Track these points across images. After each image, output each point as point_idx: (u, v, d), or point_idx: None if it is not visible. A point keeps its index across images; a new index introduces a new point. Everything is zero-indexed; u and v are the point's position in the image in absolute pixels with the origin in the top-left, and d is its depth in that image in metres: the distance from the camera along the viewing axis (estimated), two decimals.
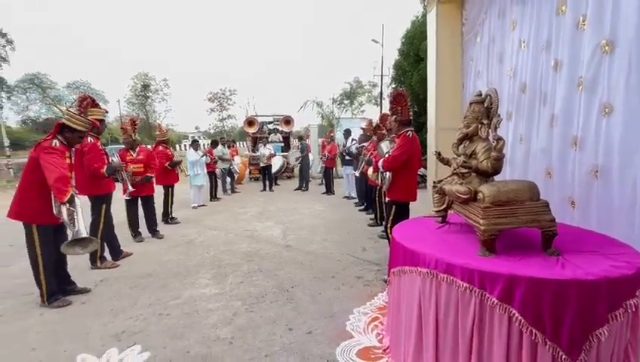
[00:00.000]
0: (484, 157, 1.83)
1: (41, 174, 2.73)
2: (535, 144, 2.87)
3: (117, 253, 4.10)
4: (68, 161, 2.96)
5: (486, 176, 1.86)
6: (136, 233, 4.96)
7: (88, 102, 3.61)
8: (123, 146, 4.81)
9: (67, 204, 2.71)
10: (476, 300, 1.50)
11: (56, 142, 2.86)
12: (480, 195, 1.73)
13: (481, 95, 1.96)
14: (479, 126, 1.92)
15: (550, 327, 1.36)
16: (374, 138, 5.33)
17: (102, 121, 3.82)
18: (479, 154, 1.87)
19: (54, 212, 2.75)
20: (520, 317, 1.40)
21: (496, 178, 1.91)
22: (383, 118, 4.81)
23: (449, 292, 1.60)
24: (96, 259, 3.84)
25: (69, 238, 2.70)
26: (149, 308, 2.88)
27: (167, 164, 5.86)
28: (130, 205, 4.88)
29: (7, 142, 16.25)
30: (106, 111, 4.11)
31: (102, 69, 50.30)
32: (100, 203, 3.81)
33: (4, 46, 24.34)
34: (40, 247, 2.88)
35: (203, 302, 2.96)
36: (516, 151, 3.15)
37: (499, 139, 1.76)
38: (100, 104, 4.04)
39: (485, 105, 1.91)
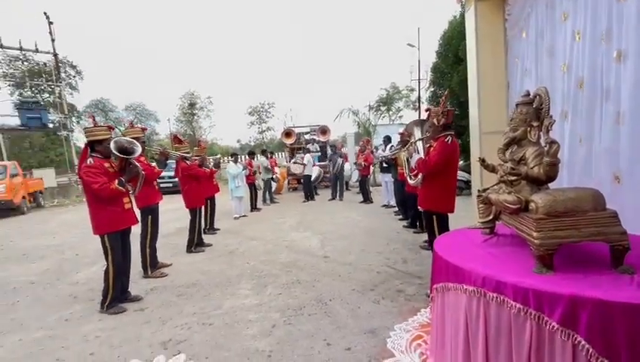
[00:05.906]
0: (535, 163, 1.66)
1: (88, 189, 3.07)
2: (598, 145, 2.56)
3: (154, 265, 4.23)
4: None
5: (538, 183, 1.68)
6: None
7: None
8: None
9: (121, 186, 3.11)
10: (533, 324, 1.34)
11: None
12: (532, 205, 1.56)
13: (529, 95, 1.80)
14: (528, 129, 1.75)
15: (627, 358, 1.17)
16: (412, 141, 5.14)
17: (137, 138, 4.04)
18: (529, 159, 1.71)
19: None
20: (587, 346, 1.22)
21: (552, 185, 1.72)
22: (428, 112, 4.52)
23: (499, 314, 1.45)
24: (147, 268, 4.11)
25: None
26: (193, 317, 2.99)
27: (211, 165, 6.07)
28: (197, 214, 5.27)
29: (77, 162, 18.35)
30: (144, 129, 4.56)
31: (156, 91, 54.81)
32: (147, 214, 4.08)
33: (74, 76, 27.59)
34: (111, 255, 3.16)
35: (243, 313, 3.02)
36: (575, 154, 2.83)
37: (552, 142, 1.59)
38: (153, 123, 4.38)
39: (534, 105, 1.74)
